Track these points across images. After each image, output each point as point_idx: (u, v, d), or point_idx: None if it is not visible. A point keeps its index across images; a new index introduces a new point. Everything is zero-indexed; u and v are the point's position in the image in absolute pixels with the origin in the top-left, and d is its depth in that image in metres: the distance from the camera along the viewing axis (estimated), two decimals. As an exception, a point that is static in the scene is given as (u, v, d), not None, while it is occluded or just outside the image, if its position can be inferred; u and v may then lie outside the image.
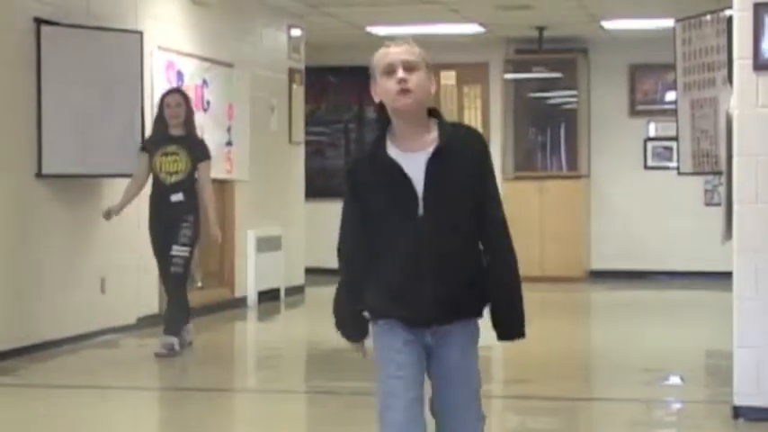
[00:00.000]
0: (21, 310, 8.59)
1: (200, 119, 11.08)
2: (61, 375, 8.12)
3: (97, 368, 8.47)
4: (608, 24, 14.41)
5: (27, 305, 8.67)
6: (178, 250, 8.71)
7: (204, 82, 11.20)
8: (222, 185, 11.79)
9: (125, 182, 9.70)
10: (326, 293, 15.44)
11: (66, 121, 8.91)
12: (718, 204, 9.19)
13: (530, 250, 15.22)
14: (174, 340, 8.73)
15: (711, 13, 8.53)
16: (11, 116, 8.57)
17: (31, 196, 8.75)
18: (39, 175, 8.79)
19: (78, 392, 7.50)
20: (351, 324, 3.94)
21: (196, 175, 8.85)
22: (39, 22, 8.78)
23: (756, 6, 6.25)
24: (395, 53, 3.86)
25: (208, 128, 11.23)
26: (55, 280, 9.01)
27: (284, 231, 12.91)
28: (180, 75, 10.77)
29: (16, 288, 8.55)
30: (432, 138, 3.73)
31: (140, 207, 10.17)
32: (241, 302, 12.05)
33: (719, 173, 7.84)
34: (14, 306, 8.52)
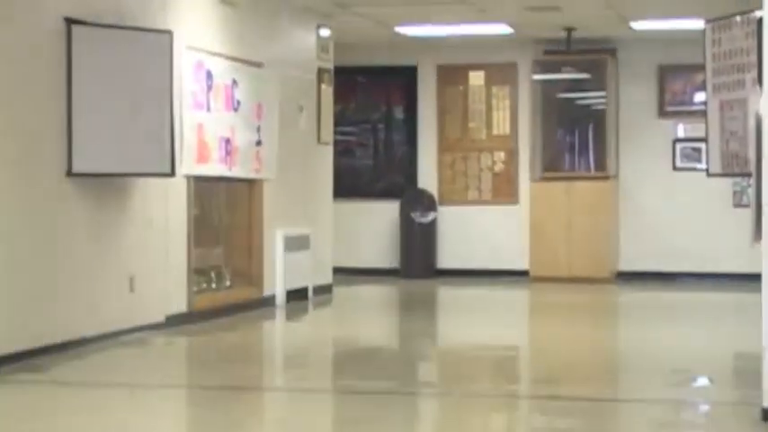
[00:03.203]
0: (50, 308, 8.64)
1: (229, 118, 11.14)
2: (90, 373, 8.16)
3: (126, 366, 8.51)
4: (637, 25, 14.38)
5: (56, 303, 8.71)
6: None
7: (234, 82, 11.24)
8: (251, 185, 11.83)
9: (154, 181, 9.76)
10: (354, 293, 15.46)
11: (97, 121, 8.96)
12: (747, 206, 9.17)
13: (557, 251, 15.23)
14: None
15: (741, 14, 8.50)
16: (42, 115, 8.62)
17: (61, 195, 8.80)
18: (69, 173, 8.84)
19: (107, 390, 7.54)
20: None
21: None
22: (69, 22, 8.83)
23: (787, 8, 6.22)
24: None
25: (238, 127, 11.27)
26: (84, 278, 9.06)
27: (312, 231, 12.94)
28: (209, 74, 10.81)
29: (46, 286, 8.60)
30: None
31: (170, 205, 10.23)
32: (269, 302, 12.08)
33: (748, 174, 7.81)
34: (44, 304, 8.57)
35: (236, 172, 11.31)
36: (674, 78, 15.66)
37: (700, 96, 14.39)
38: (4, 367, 7.93)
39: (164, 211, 10.17)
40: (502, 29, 14.72)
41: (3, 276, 8.16)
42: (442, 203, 16.17)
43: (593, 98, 15.70)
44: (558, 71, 15.73)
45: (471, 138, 16.23)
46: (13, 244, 8.26)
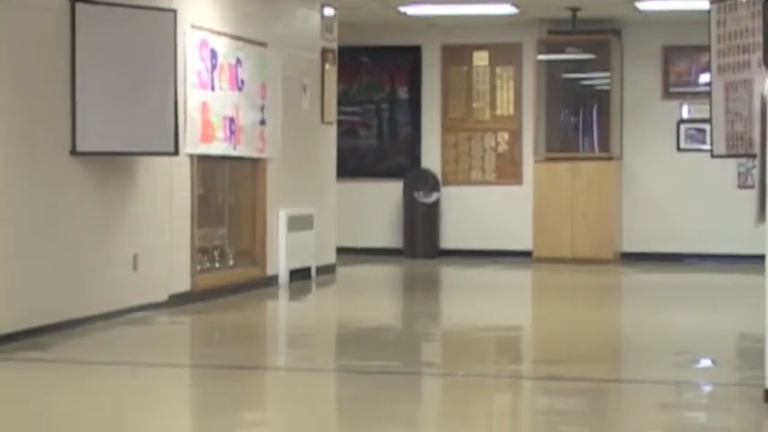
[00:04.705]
0: (54, 287, 8.65)
1: (234, 98, 11.13)
2: (93, 352, 8.18)
3: (129, 345, 8.52)
4: (642, 5, 14.35)
5: (60, 282, 8.72)
6: None
7: (238, 61, 11.22)
8: (255, 164, 11.82)
9: (158, 160, 9.76)
10: (357, 272, 15.44)
11: (101, 100, 8.95)
12: (752, 187, 9.15)
13: (561, 232, 15.23)
14: None
15: (747, -6, 8.48)
16: (46, 94, 8.61)
17: (65, 173, 8.80)
18: (73, 152, 8.83)
19: (110, 369, 7.55)
20: None
21: None
22: (73, 0, 8.81)
23: (792, -12, 6.20)
24: None
25: (242, 107, 11.26)
26: (88, 257, 9.07)
27: (316, 210, 12.94)
28: (214, 53, 10.79)
29: (49, 265, 8.61)
30: None
31: (174, 184, 10.23)
32: (272, 281, 12.09)
33: (753, 155, 7.80)
34: (47, 283, 8.57)
35: (241, 151, 11.31)
36: (679, 59, 15.62)
37: (704, 77, 14.37)
38: (8, 345, 7.95)
39: (168, 190, 10.17)
40: (506, 9, 14.68)
41: (7, 255, 8.16)
42: (445, 184, 16.16)
43: (597, 79, 15.67)
44: (563, 51, 15.70)
45: (475, 118, 16.21)
46: (17, 223, 8.26)
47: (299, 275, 12.49)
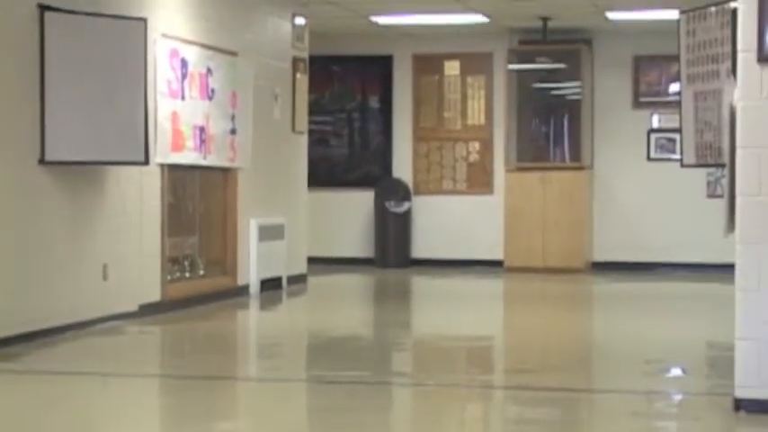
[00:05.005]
0: (23, 297, 8.60)
1: (204, 107, 11.11)
2: (63, 362, 8.13)
3: (99, 355, 8.48)
4: (612, 15, 14.40)
5: (29, 292, 8.67)
6: None
7: (209, 70, 11.20)
8: (225, 174, 11.80)
9: (128, 169, 9.72)
10: (328, 282, 15.39)
11: (70, 108, 8.91)
12: (721, 196, 9.19)
13: (532, 241, 15.25)
14: None
15: (716, 4, 8.51)
16: (14, 102, 8.57)
17: (33, 183, 8.75)
18: (42, 161, 8.79)
19: (80, 379, 7.51)
20: None
21: None
22: (42, 8, 8.77)
23: (761, -2, 6.23)
24: None
25: (212, 116, 11.24)
26: (57, 266, 9.02)
27: (287, 220, 12.92)
28: (184, 62, 10.77)
29: (18, 274, 8.56)
30: None
31: (144, 193, 10.19)
32: (243, 291, 12.06)
33: (722, 165, 7.83)
34: (17, 292, 8.53)
35: (211, 160, 11.29)
36: (649, 69, 15.69)
37: (674, 87, 14.43)
38: (-24, 356, 7.90)
39: (138, 199, 10.13)
40: (477, 18, 14.71)
41: (-25, 265, 8.11)
42: (416, 193, 16.17)
43: (568, 88, 15.71)
44: (534, 61, 15.74)
45: (446, 127, 16.23)
46: (-15, 232, 8.22)
47: (270, 285, 12.47)
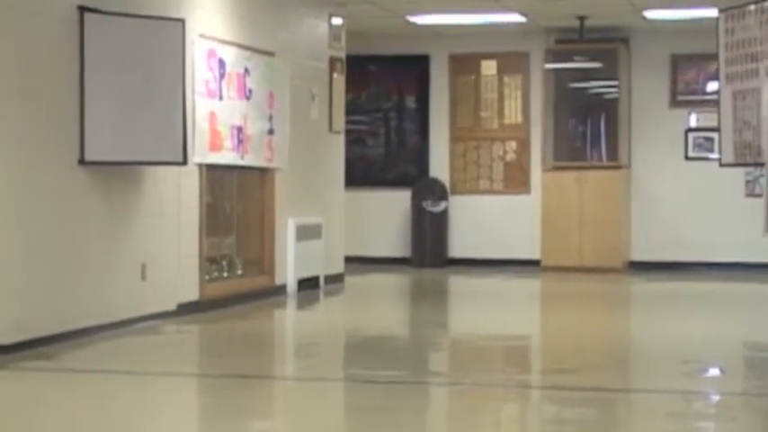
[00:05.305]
0: (62, 297, 8.66)
1: (242, 107, 11.15)
2: (101, 361, 8.18)
3: (137, 354, 8.52)
4: (650, 14, 14.35)
5: (68, 291, 8.73)
6: None
7: (246, 70, 11.24)
8: (263, 174, 11.83)
9: (166, 170, 9.77)
10: (365, 282, 15.46)
11: (109, 109, 8.96)
12: (760, 196, 9.15)
13: (569, 241, 15.22)
14: None
15: (755, 3, 8.48)
16: (54, 103, 8.63)
17: (73, 183, 8.81)
18: (81, 161, 8.85)
19: (118, 378, 7.55)
20: None
21: None
22: (82, 9, 8.83)
23: (800, -3, 6.20)
24: None
25: (250, 116, 11.28)
26: (96, 266, 9.08)
27: (324, 220, 12.95)
28: (222, 63, 10.81)
29: (57, 274, 8.62)
30: None
31: (182, 194, 10.24)
32: (281, 290, 12.10)
33: (761, 164, 7.81)
34: (55, 292, 8.58)
35: (249, 160, 11.32)
36: (687, 68, 15.62)
37: (712, 86, 14.36)
38: (15, 355, 7.95)
39: (176, 199, 10.18)
40: (514, 18, 14.69)
41: (15, 264, 8.18)
42: (453, 193, 16.17)
43: (605, 87, 15.67)
44: (571, 60, 15.70)
45: (483, 127, 16.22)
46: (25, 232, 8.28)
47: (308, 285, 12.50)
